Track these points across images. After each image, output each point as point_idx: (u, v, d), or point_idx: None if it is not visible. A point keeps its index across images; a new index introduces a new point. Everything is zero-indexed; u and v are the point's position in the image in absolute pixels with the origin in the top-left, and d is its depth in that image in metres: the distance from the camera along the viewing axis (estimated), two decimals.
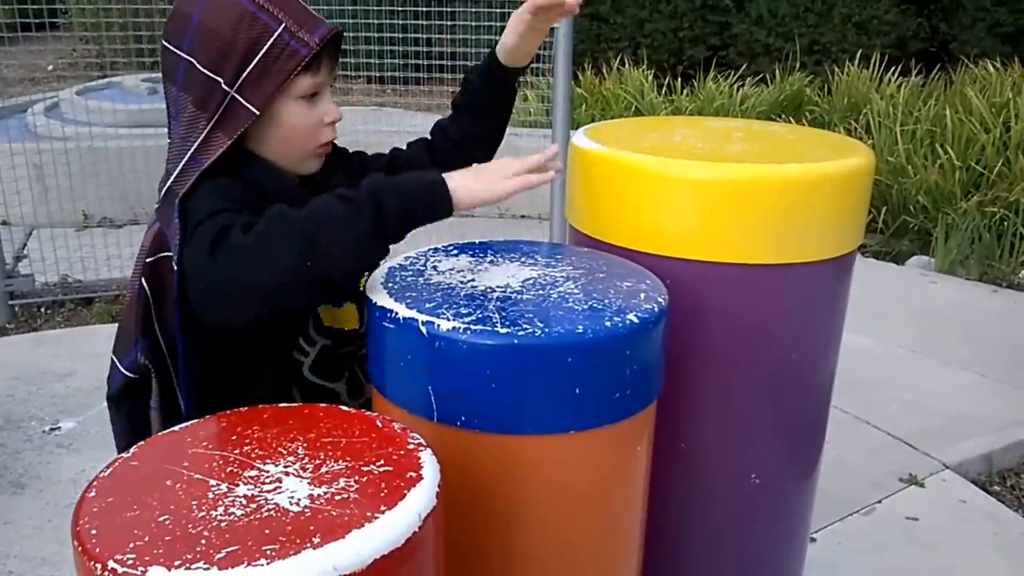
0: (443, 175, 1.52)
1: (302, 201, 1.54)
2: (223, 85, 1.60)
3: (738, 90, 9.04)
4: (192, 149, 1.63)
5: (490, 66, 1.91)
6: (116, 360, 1.74)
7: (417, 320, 1.44)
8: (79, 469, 3.62)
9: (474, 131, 1.96)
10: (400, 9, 6.35)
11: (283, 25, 1.60)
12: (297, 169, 1.74)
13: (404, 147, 2.01)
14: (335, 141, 1.80)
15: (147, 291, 1.67)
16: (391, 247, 1.53)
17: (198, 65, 1.61)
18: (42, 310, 5.41)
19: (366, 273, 1.68)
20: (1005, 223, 6.35)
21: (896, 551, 3.29)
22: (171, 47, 1.64)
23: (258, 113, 1.61)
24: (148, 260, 1.66)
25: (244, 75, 1.60)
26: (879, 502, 3.59)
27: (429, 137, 2.00)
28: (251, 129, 1.64)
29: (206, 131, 1.62)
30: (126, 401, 1.75)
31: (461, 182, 1.52)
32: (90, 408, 4.13)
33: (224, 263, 1.46)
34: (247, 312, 1.50)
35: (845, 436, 3.96)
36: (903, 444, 4.00)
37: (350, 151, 1.95)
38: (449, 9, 6.53)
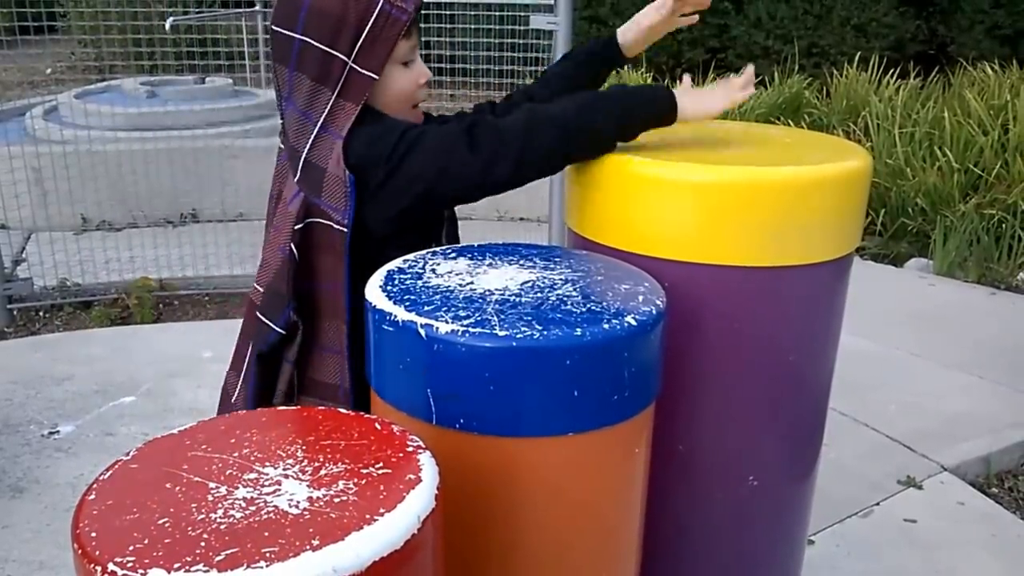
0: (674, 93, 1.90)
1: None
2: (341, 57, 1.79)
3: None
4: (320, 121, 1.82)
5: (607, 47, 2.23)
6: (267, 320, 1.89)
7: (416, 323, 1.44)
8: (77, 473, 3.63)
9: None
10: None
11: None
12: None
13: (484, 104, 2.24)
14: None
15: (295, 255, 1.82)
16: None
17: (314, 43, 1.79)
18: (41, 314, 5.41)
19: None
20: (1003, 225, 6.36)
21: (894, 553, 3.30)
22: (284, 31, 1.83)
23: (377, 78, 1.81)
24: (296, 227, 1.82)
25: (358, 46, 1.79)
26: (877, 504, 3.59)
27: (516, 102, 2.19)
28: (371, 95, 1.83)
29: (331, 101, 1.81)
30: (272, 357, 1.91)
31: (685, 100, 1.89)
32: (88, 412, 4.13)
33: (487, 133, 1.80)
34: (508, 174, 1.80)
35: (843, 438, 3.96)
36: (901, 446, 4.00)
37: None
38: (448, 12, 6.54)
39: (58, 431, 3.97)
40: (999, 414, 4.28)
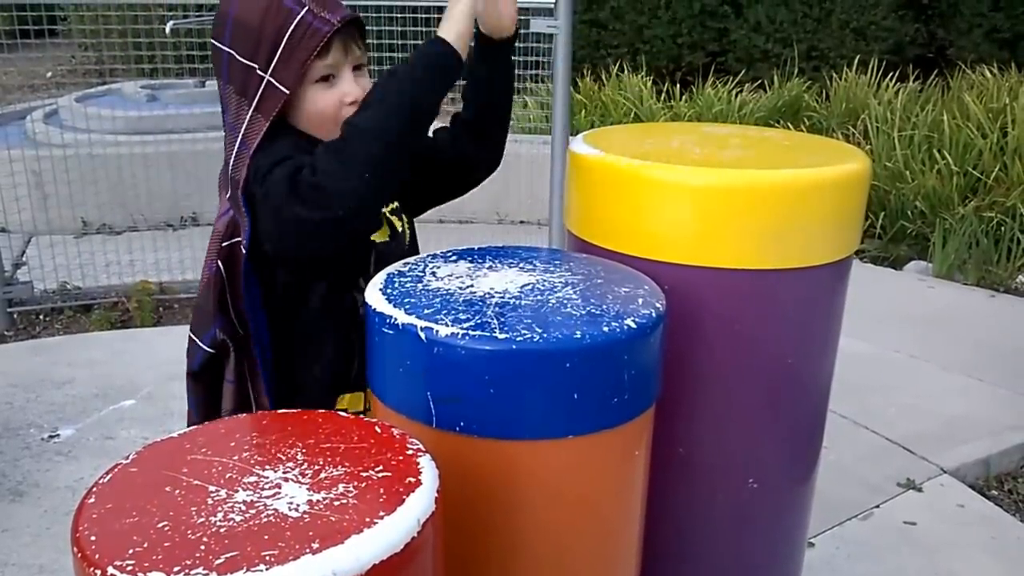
0: (437, 33, 1.74)
1: None
2: (258, 71, 1.75)
3: (737, 96, 9.04)
4: (241, 135, 1.78)
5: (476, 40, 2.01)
6: (196, 338, 1.86)
7: (416, 326, 1.45)
8: (77, 476, 3.62)
9: (482, 105, 2.05)
10: (399, 16, 6.35)
11: (306, 7, 1.73)
12: None
13: (432, 135, 2.10)
14: None
15: (223, 273, 1.78)
16: None
17: (237, 56, 1.76)
18: (41, 317, 5.41)
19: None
20: (1002, 228, 6.36)
21: (894, 556, 3.30)
22: (216, 43, 1.80)
23: (286, 92, 1.74)
24: (224, 244, 1.77)
25: (275, 58, 1.73)
26: (877, 507, 3.59)
27: (446, 129, 2.10)
28: (289, 108, 1.79)
29: (248, 115, 1.77)
30: (205, 376, 1.87)
31: (446, 26, 1.73)
32: (89, 415, 4.13)
33: (308, 191, 1.60)
34: (327, 227, 1.61)
35: (843, 441, 3.96)
36: (901, 449, 4.00)
37: None
38: None
39: (58, 435, 3.97)
40: (999, 416, 4.27)
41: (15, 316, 5.35)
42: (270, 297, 1.79)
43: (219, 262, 1.77)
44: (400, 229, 1.98)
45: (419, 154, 1.95)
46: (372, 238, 1.87)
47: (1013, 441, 4.05)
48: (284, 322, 1.82)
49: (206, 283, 1.81)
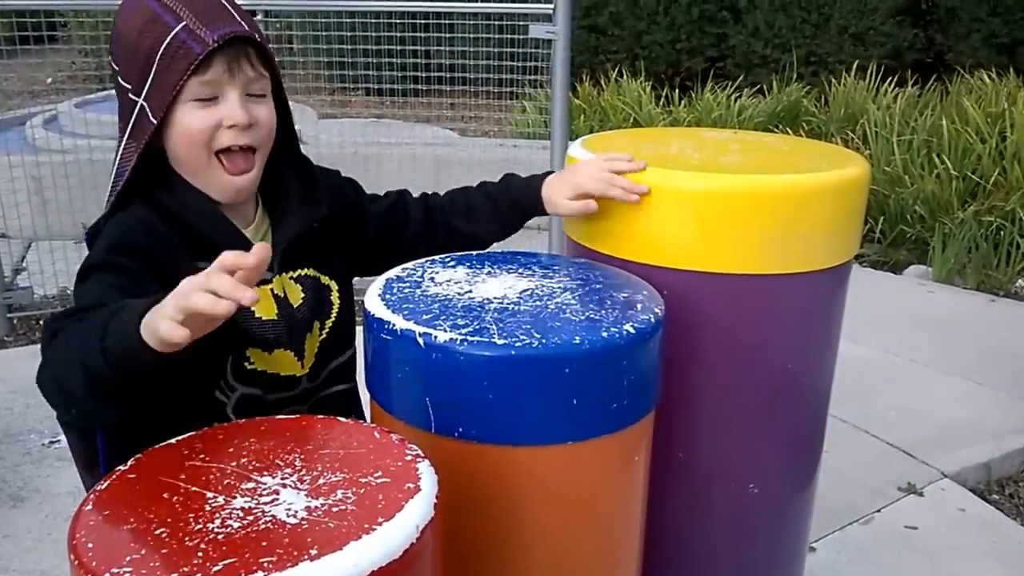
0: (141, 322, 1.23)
1: (224, 232, 1.56)
2: (130, 93, 1.54)
3: (736, 101, 9.05)
4: (115, 163, 1.58)
5: (531, 206, 1.93)
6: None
7: (414, 331, 1.44)
8: (78, 482, 3.58)
9: (485, 234, 1.98)
10: (399, 22, 6.35)
11: (183, 23, 1.49)
12: (213, 193, 1.60)
13: (399, 196, 1.97)
14: (325, 163, 1.75)
15: None
16: None
17: (119, 75, 1.56)
18: (41, 323, 5.39)
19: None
20: (1002, 232, 6.36)
21: (895, 560, 3.29)
22: (110, 59, 1.60)
23: (155, 122, 1.51)
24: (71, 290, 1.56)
25: (148, 81, 1.51)
26: (878, 511, 3.58)
27: (430, 212, 1.96)
28: (165, 142, 1.56)
29: (123, 142, 1.56)
30: (72, 425, 1.68)
31: (149, 325, 1.22)
32: None
33: (42, 362, 1.39)
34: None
35: (844, 445, 3.96)
36: (902, 453, 4.00)
37: (333, 171, 1.87)
38: (447, 22, 6.55)
39: (59, 440, 3.96)
40: (999, 421, 4.27)
41: (15, 321, 5.35)
42: None
43: None
44: (299, 301, 1.69)
45: (390, 229, 1.88)
46: (255, 313, 1.60)
47: (1014, 445, 4.04)
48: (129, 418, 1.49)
49: None
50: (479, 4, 5.76)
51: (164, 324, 1.16)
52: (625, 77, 9.74)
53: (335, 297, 1.76)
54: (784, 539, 2.15)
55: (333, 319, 1.76)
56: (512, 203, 1.95)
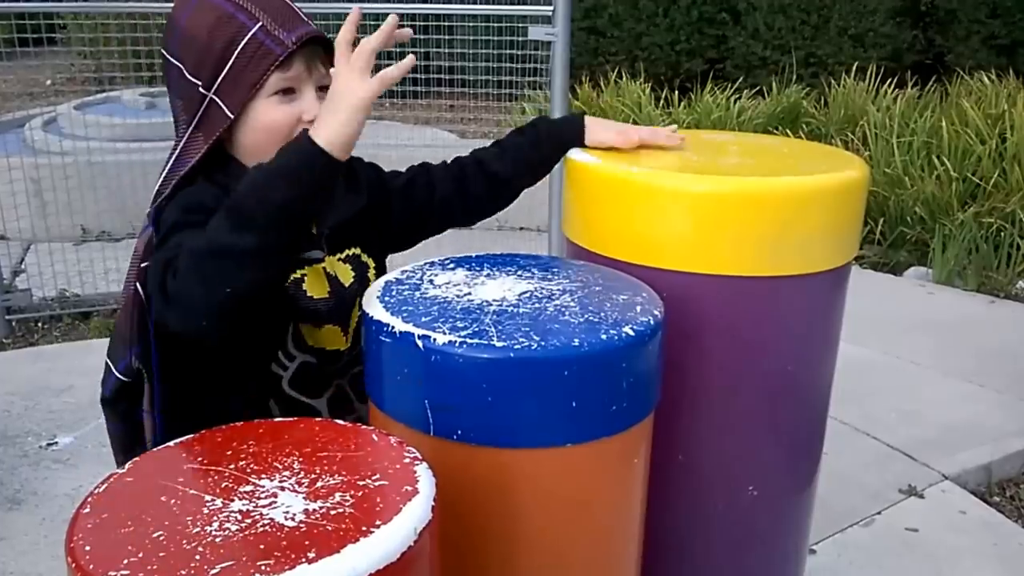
0: (308, 133, 1.44)
1: None
2: (201, 88, 1.61)
3: (735, 103, 9.04)
4: (176, 152, 1.65)
5: (573, 136, 2.00)
6: (110, 363, 1.73)
7: (413, 334, 1.44)
8: (76, 485, 3.61)
9: (519, 175, 1.98)
10: (399, 23, 6.34)
11: (260, 24, 1.58)
12: None
13: (420, 168, 1.98)
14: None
15: (141, 295, 1.65)
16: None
17: (184, 70, 1.63)
18: (40, 325, 5.40)
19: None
20: (1002, 234, 6.36)
21: (896, 562, 3.29)
22: (165, 54, 1.67)
23: (232, 117, 1.60)
24: (142, 265, 1.65)
25: (221, 77, 1.59)
26: (879, 513, 3.59)
27: (461, 166, 1.97)
28: (232, 133, 1.64)
29: (188, 133, 1.64)
30: (119, 404, 1.75)
31: (324, 130, 1.43)
32: (87, 423, 4.12)
33: (170, 304, 1.47)
34: (212, 336, 1.49)
35: (844, 447, 3.96)
36: (902, 455, 4.00)
37: (367, 162, 1.93)
38: (447, 24, 6.55)
39: (56, 442, 3.96)
40: (1000, 422, 4.27)
41: (14, 324, 5.35)
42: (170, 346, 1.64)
43: (138, 284, 1.65)
44: (349, 280, 1.78)
45: (414, 196, 1.90)
46: (308, 292, 1.69)
47: (1015, 447, 4.04)
48: (190, 361, 1.67)
49: (124, 306, 1.68)
50: (478, 6, 5.76)
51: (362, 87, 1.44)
52: (624, 79, 9.73)
53: (371, 274, 1.83)
54: (784, 541, 2.14)
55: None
56: (551, 134, 2.00)
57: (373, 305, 1.55)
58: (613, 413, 1.49)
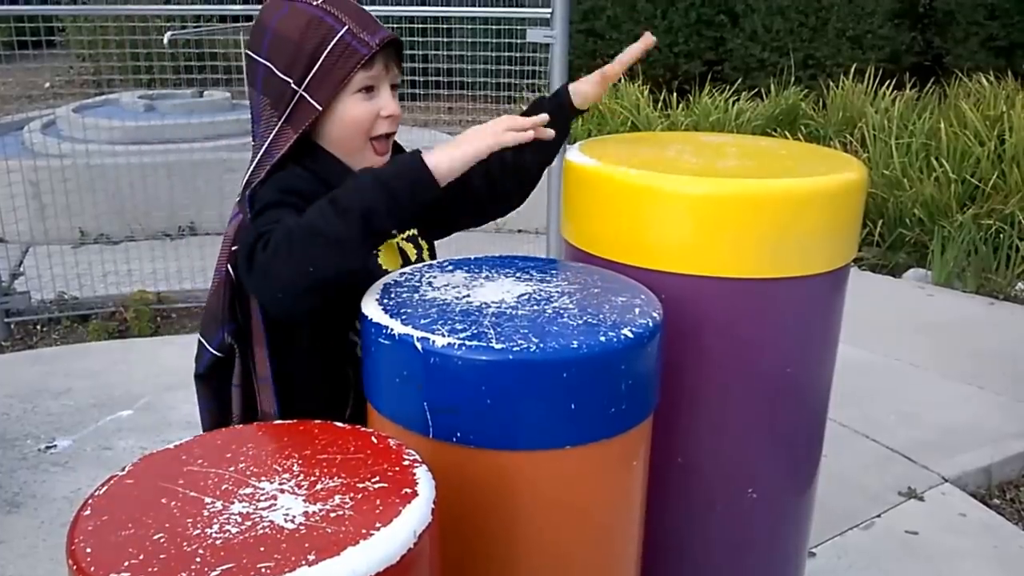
0: (421, 153, 1.61)
1: None
2: (292, 85, 1.76)
3: (733, 105, 9.05)
4: (266, 145, 1.80)
5: (561, 104, 2.02)
6: (204, 341, 1.87)
7: (412, 336, 1.44)
8: (74, 488, 3.61)
9: (531, 156, 1.99)
10: (397, 27, 6.35)
11: (346, 27, 1.75)
12: (361, 161, 1.84)
13: None
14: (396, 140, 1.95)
15: (232, 276, 1.79)
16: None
17: (275, 69, 1.77)
18: (38, 327, 5.40)
19: None
20: (1001, 235, 6.36)
21: (896, 565, 3.29)
22: (252, 55, 1.81)
23: (321, 109, 1.75)
24: (233, 248, 1.78)
25: (311, 75, 1.75)
26: (878, 516, 3.58)
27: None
28: (319, 125, 1.80)
29: (278, 127, 1.78)
30: (212, 380, 1.89)
31: (438, 155, 1.61)
32: (86, 426, 4.12)
33: (259, 267, 1.59)
34: (284, 307, 1.62)
35: (844, 449, 3.96)
36: (902, 457, 3.99)
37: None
38: (446, 27, 6.55)
39: (55, 445, 3.96)
40: (999, 424, 4.27)
41: (12, 326, 5.35)
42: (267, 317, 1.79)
43: (229, 266, 1.79)
44: (414, 257, 1.96)
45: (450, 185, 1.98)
46: (383, 266, 1.86)
47: (1014, 449, 4.04)
48: (280, 347, 1.81)
49: (216, 287, 1.82)
50: (477, 9, 5.76)
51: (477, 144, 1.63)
52: (623, 81, 9.72)
53: (426, 255, 2.00)
54: (784, 543, 2.15)
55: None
56: (553, 109, 1.97)
57: (372, 307, 1.56)
58: (612, 415, 1.50)
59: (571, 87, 2.04)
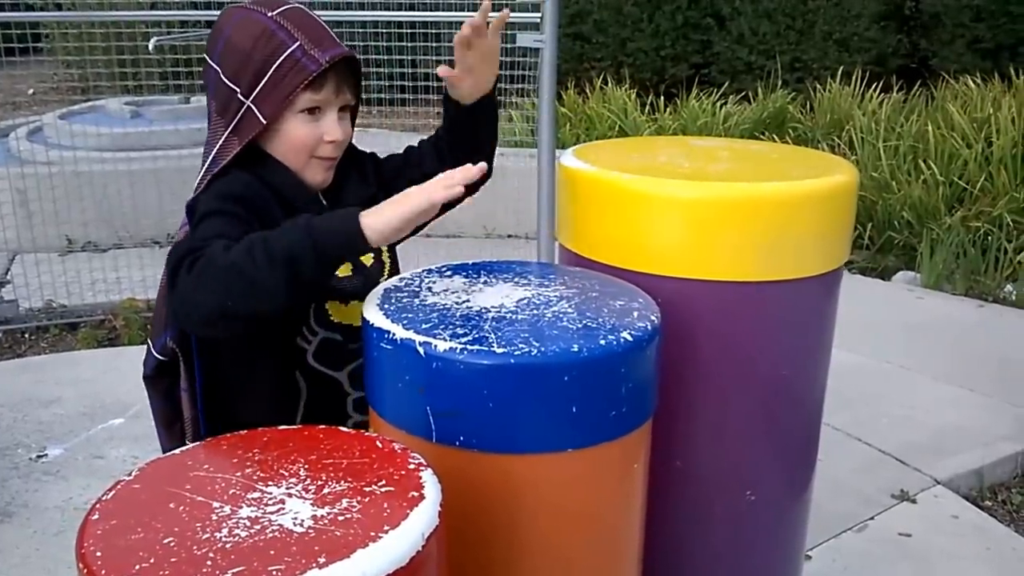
0: (359, 214, 1.52)
1: (313, 204, 1.81)
2: (239, 95, 1.75)
3: (721, 108, 9.08)
4: (213, 153, 1.79)
5: (447, 103, 1.98)
6: (149, 343, 1.88)
7: (414, 341, 1.44)
8: (66, 496, 3.60)
9: (462, 149, 1.96)
10: (385, 31, 6.36)
11: (298, 43, 1.72)
12: (304, 177, 1.83)
13: (409, 147, 2.08)
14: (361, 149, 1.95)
15: None
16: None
17: (223, 75, 1.76)
18: (26, 336, 5.38)
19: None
20: (989, 238, 6.39)
21: (890, 568, 3.30)
22: (207, 59, 1.81)
23: (263, 123, 1.73)
24: None
25: (258, 87, 1.73)
26: (872, 518, 3.60)
27: (437, 137, 2.05)
28: (264, 136, 1.78)
29: (224, 136, 1.77)
30: (160, 382, 1.89)
31: (375, 217, 1.51)
32: (77, 435, 4.11)
33: (174, 290, 1.59)
34: (196, 332, 1.66)
35: (836, 452, 3.97)
36: (894, 460, 4.01)
37: (368, 152, 2.05)
38: (434, 31, 6.55)
39: (46, 454, 3.95)
40: (990, 427, 4.29)
41: (0, 335, 5.32)
42: None
43: None
44: (370, 263, 1.93)
45: (405, 175, 1.96)
46: (336, 274, 1.74)
47: (1005, 451, 4.06)
48: (220, 353, 1.81)
49: (161, 290, 1.82)
50: (467, 14, 5.76)
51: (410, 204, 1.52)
52: (610, 85, 9.76)
53: (385, 256, 1.98)
54: (782, 546, 2.15)
55: (386, 276, 1.95)
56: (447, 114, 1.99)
57: (373, 312, 1.56)
58: (613, 418, 1.50)
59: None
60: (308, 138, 1.78)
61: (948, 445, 4.13)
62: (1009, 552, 3.42)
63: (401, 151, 2.09)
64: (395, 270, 2.00)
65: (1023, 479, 4.00)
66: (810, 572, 3.16)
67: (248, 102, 1.74)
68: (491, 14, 1.88)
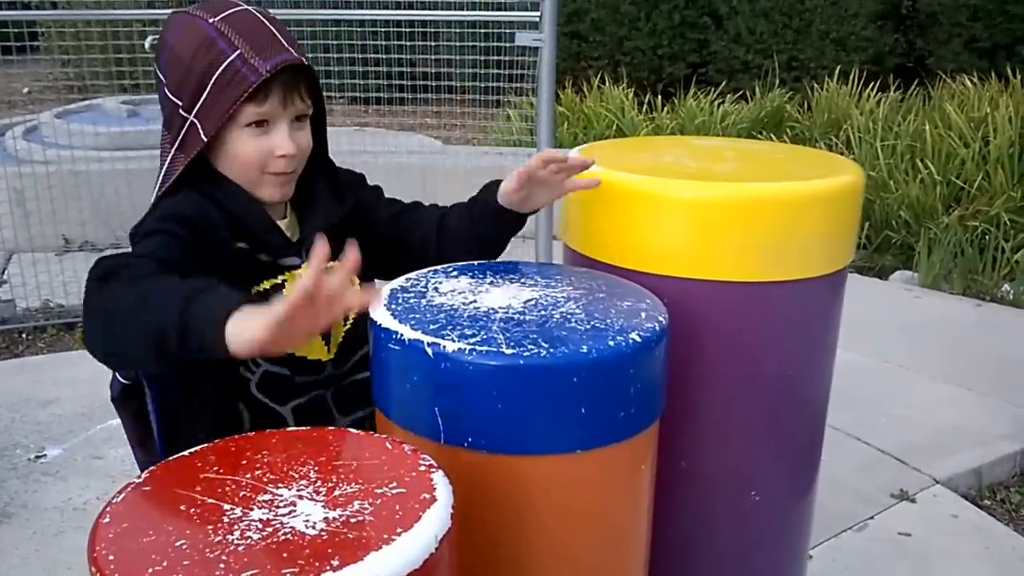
0: (234, 313, 1.27)
1: (264, 222, 1.70)
2: (180, 110, 1.64)
3: (718, 107, 9.08)
4: (163, 170, 1.69)
5: (497, 215, 1.86)
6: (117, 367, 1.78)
7: (423, 342, 1.44)
8: (65, 497, 3.59)
9: (466, 239, 1.90)
10: (383, 30, 6.34)
11: (238, 52, 1.59)
12: (257, 194, 1.71)
13: (415, 203, 1.97)
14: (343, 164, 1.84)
15: None
16: None
17: (167, 88, 1.66)
18: (24, 336, 5.36)
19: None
20: (987, 237, 6.39)
21: (890, 567, 3.30)
22: (156, 69, 1.69)
23: (205, 139, 1.62)
24: None
25: (200, 102, 1.61)
26: (871, 518, 3.60)
27: (443, 215, 1.93)
28: (212, 153, 1.67)
29: (171, 153, 1.67)
30: (128, 403, 1.84)
31: (250, 321, 1.25)
32: (75, 435, 4.10)
33: (86, 305, 1.44)
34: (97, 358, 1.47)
35: (836, 452, 3.95)
36: (893, 459, 4.01)
37: (357, 173, 1.95)
38: (432, 30, 6.54)
39: (45, 455, 3.94)
40: (989, 426, 4.29)
41: None
42: None
43: None
44: None
45: (400, 221, 1.90)
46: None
47: (1004, 450, 4.06)
48: (161, 380, 1.73)
49: None
50: (464, 12, 5.76)
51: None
52: (607, 84, 9.76)
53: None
54: (786, 546, 2.15)
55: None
56: (482, 215, 1.89)
57: (380, 313, 1.55)
58: (621, 419, 1.50)
59: (500, 191, 1.86)
60: (256, 154, 1.65)
61: (947, 444, 4.13)
62: (1008, 551, 3.43)
63: (391, 176, 1.98)
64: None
65: (1022, 478, 4.01)
66: (811, 572, 3.14)
67: (191, 117, 1.62)
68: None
